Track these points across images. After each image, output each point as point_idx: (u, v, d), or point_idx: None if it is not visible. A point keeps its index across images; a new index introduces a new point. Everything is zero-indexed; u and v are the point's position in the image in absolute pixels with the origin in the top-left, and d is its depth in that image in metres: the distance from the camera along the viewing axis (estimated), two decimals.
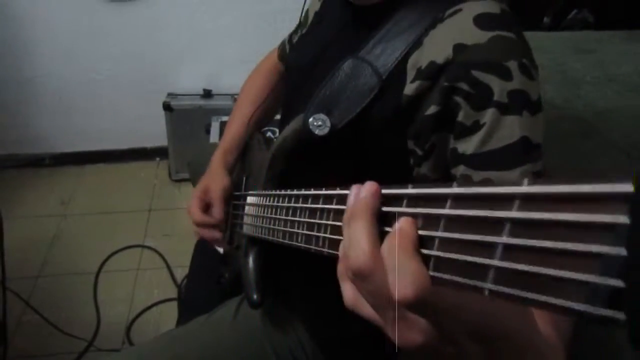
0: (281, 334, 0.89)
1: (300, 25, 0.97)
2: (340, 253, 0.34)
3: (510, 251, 0.22)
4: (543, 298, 0.20)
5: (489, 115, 0.59)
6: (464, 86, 0.59)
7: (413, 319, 0.29)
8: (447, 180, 0.45)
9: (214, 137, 2.09)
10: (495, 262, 0.23)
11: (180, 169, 2.33)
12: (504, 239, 0.22)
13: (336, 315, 0.85)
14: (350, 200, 0.34)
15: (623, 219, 0.18)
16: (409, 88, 0.64)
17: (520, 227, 0.22)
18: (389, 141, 0.68)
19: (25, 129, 2.39)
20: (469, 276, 0.24)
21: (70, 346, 1.60)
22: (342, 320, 0.85)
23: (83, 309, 1.74)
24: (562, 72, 1.43)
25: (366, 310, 0.32)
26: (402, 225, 0.29)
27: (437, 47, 0.62)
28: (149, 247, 2.03)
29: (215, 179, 0.96)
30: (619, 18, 1.70)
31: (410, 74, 0.64)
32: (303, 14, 0.96)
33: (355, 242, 0.30)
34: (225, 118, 2.12)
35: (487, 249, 0.23)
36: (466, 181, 0.59)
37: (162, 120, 2.24)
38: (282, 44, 1.07)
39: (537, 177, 0.58)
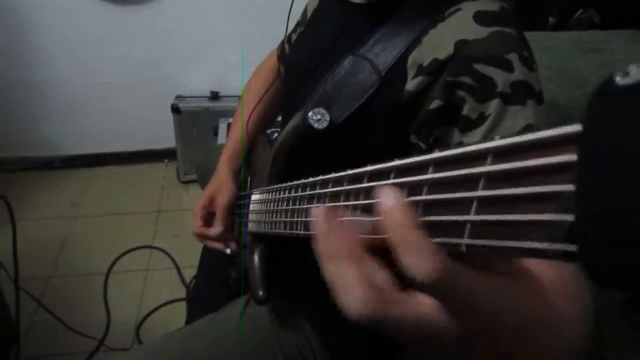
0: (288, 331, 0.90)
1: (298, 24, 0.98)
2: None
3: (483, 204, 0.23)
4: (513, 244, 0.21)
5: (493, 106, 0.59)
6: (467, 80, 0.60)
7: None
8: None
9: (221, 138, 2.11)
10: (471, 217, 0.24)
11: (188, 170, 2.35)
12: (479, 193, 0.24)
13: (342, 312, 0.87)
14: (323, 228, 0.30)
15: (573, 157, 0.19)
16: (411, 84, 0.65)
17: (493, 180, 0.23)
18: (390, 136, 0.69)
19: (36, 132, 2.42)
20: (450, 235, 0.25)
21: (81, 345, 1.62)
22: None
23: (93, 308, 1.77)
24: (567, 71, 1.43)
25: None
26: (391, 201, 0.27)
27: (439, 44, 0.64)
28: (157, 248, 2.05)
29: (221, 189, 0.98)
30: (625, 18, 1.70)
31: (411, 71, 0.65)
32: (302, 12, 0.97)
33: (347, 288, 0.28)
34: (232, 120, 2.14)
35: (463, 205, 0.24)
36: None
37: (170, 122, 2.26)
38: (281, 45, 1.08)
39: None
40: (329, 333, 0.88)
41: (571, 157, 0.19)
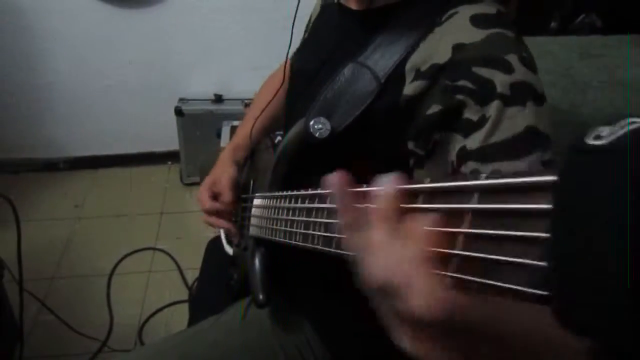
0: (289, 334, 0.91)
1: (305, 30, 0.99)
2: (360, 264, 0.31)
3: (469, 240, 0.24)
4: (495, 283, 0.22)
5: (493, 107, 0.58)
6: (466, 83, 0.60)
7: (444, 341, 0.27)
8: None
9: (224, 141, 2.12)
10: (458, 251, 0.25)
11: (191, 172, 2.36)
12: (465, 229, 0.24)
13: (343, 315, 0.87)
14: (342, 193, 0.32)
15: (549, 205, 0.20)
16: (408, 88, 0.65)
17: (479, 217, 0.24)
18: (389, 143, 0.69)
19: (40, 134, 2.44)
20: (437, 266, 0.26)
21: (84, 346, 1.63)
22: (349, 319, 0.87)
23: (96, 309, 1.78)
24: (569, 76, 1.44)
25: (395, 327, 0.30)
26: (419, 233, 0.27)
27: (436, 49, 0.64)
28: (160, 250, 2.06)
29: (224, 171, 0.98)
30: (627, 22, 1.70)
31: (409, 75, 0.65)
32: (306, 19, 0.98)
33: (378, 254, 0.28)
34: (235, 123, 2.15)
35: (451, 239, 0.25)
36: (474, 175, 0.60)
37: (174, 124, 2.27)
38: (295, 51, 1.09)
39: (547, 165, 0.57)
40: (330, 335, 0.89)
41: (548, 205, 0.20)
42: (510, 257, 0.22)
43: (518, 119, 0.58)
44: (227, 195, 0.96)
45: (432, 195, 0.27)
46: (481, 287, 0.23)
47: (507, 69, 0.59)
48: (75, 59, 2.25)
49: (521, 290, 0.21)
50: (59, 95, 2.33)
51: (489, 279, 0.23)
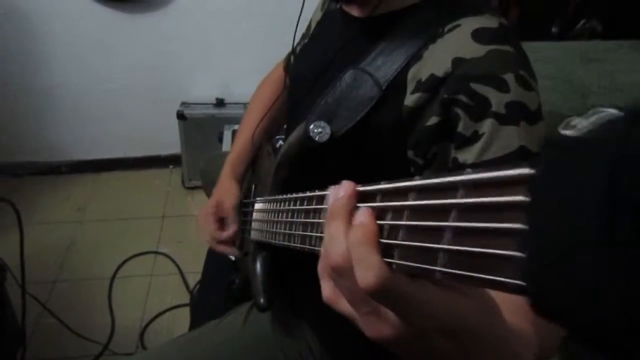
0: (290, 338, 0.91)
1: (303, 36, 1.00)
2: (322, 252, 0.36)
3: (455, 235, 0.25)
4: (481, 276, 0.23)
5: (487, 125, 0.60)
6: (463, 98, 0.61)
7: (384, 313, 0.31)
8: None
9: (226, 145, 2.13)
10: (444, 246, 0.25)
11: (193, 176, 2.37)
12: (450, 223, 0.25)
13: (344, 319, 0.88)
14: (330, 200, 0.36)
15: (527, 197, 0.20)
16: (410, 99, 0.66)
17: (464, 212, 0.25)
18: (389, 149, 0.70)
19: (42, 137, 2.45)
20: (425, 261, 0.27)
21: (85, 349, 1.63)
22: (350, 325, 0.87)
23: (98, 313, 1.78)
24: (569, 81, 1.44)
25: (343, 305, 0.35)
26: (360, 218, 0.32)
27: (437, 60, 0.64)
28: (162, 254, 2.06)
29: (227, 193, 0.99)
30: (627, 28, 1.71)
31: (411, 85, 0.66)
32: (307, 24, 0.99)
33: (334, 240, 0.33)
34: (237, 126, 2.15)
35: (438, 234, 0.26)
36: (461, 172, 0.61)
37: (176, 128, 2.28)
38: (288, 56, 1.10)
39: None
40: (332, 340, 0.89)
41: (525, 197, 0.21)
42: (490, 249, 0.22)
43: (512, 138, 0.60)
44: (232, 228, 0.98)
45: (423, 192, 0.29)
46: (469, 280, 0.24)
47: (504, 87, 0.60)
48: (78, 62, 2.26)
49: (500, 281, 0.22)
50: (61, 99, 2.34)
51: (472, 272, 0.23)
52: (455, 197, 0.25)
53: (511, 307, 0.35)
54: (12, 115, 2.35)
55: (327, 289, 0.36)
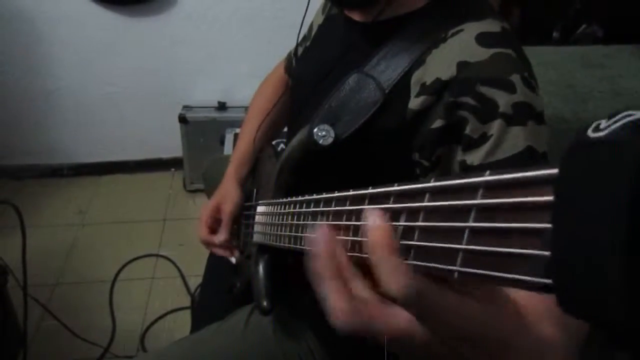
0: (291, 342, 0.91)
1: (304, 38, 1.00)
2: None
3: (474, 235, 0.25)
4: (500, 275, 0.23)
5: (495, 127, 0.60)
6: (470, 101, 0.62)
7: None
8: None
9: (227, 148, 2.13)
10: (463, 246, 0.26)
11: (194, 179, 2.37)
12: (470, 224, 0.25)
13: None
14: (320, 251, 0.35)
15: (551, 198, 0.21)
16: (414, 102, 0.66)
17: (483, 212, 0.25)
18: (394, 152, 0.70)
19: (44, 140, 2.45)
20: (443, 261, 0.27)
21: (86, 352, 1.63)
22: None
23: (99, 316, 1.78)
24: (570, 86, 1.45)
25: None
26: (373, 221, 0.31)
27: (441, 64, 0.65)
28: (163, 257, 2.06)
29: (227, 197, 1.00)
30: (628, 33, 1.71)
31: (415, 89, 0.67)
32: (308, 27, 0.99)
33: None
34: (238, 130, 2.15)
35: (456, 234, 0.26)
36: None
37: (178, 131, 2.29)
38: (288, 57, 1.10)
39: None
40: (333, 343, 0.89)
41: (550, 197, 0.21)
42: (513, 249, 0.23)
43: (519, 138, 0.60)
44: (223, 234, 0.99)
45: (438, 193, 0.29)
46: (487, 279, 0.24)
47: (510, 89, 0.60)
48: (80, 66, 2.27)
49: (526, 280, 0.22)
50: (63, 101, 2.35)
51: (494, 271, 0.24)
52: (475, 198, 0.25)
53: (544, 315, 0.35)
54: (15, 118, 2.36)
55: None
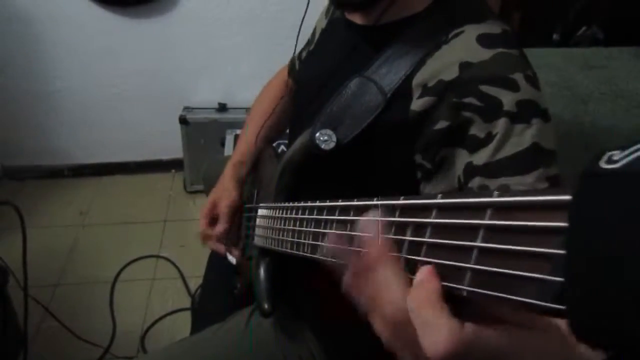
0: (292, 343, 0.91)
1: (308, 42, 1.01)
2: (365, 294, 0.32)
3: (482, 254, 0.25)
4: (508, 296, 0.23)
5: (500, 125, 0.60)
6: (474, 101, 0.61)
7: None
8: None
9: (228, 149, 2.13)
10: (471, 265, 0.26)
11: (195, 180, 2.37)
12: (478, 244, 0.25)
13: (346, 326, 0.88)
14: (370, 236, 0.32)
15: (563, 223, 0.21)
16: (416, 104, 0.66)
17: (492, 232, 0.25)
18: (396, 155, 0.70)
19: (45, 141, 2.45)
20: (451, 279, 0.27)
21: (86, 353, 1.64)
22: (352, 330, 0.88)
23: (100, 316, 1.78)
24: (570, 88, 1.45)
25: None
26: (424, 277, 0.28)
27: (443, 66, 0.65)
28: (164, 258, 2.06)
29: (224, 194, 1.00)
30: (628, 35, 1.71)
31: (417, 91, 0.67)
32: (311, 31, 0.99)
33: (386, 290, 0.30)
34: (239, 131, 2.17)
35: (465, 252, 0.26)
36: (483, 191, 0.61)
37: (178, 133, 2.29)
38: (292, 60, 1.10)
39: (553, 181, 0.59)
40: (333, 344, 0.89)
41: (561, 224, 0.21)
42: (522, 271, 0.23)
43: (525, 136, 0.60)
44: (220, 226, 0.99)
45: (446, 209, 0.28)
46: (495, 300, 0.24)
47: (514, 87, 0.60)
48: (81, 67, 2.27)
49: (534, 304, 0.22)
50: (64, 103, 2.35)
51: (503, 293, 0.24)
52: (483, 218, 0.25)
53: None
54: (16, 119, 2.36)
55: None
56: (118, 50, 2.24)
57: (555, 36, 1.98)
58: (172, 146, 2.42)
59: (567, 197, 0.21)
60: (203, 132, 2.28)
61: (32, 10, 2.10)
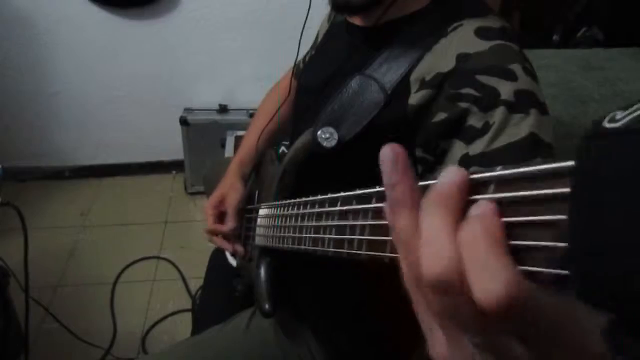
0: (292, 344, 0.92)
1: (311, 47, 1.01)
2: (406, 260, 0.27)
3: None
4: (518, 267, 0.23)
5: (497, 114, 0.59)
6: (470, 91, 0.61)
7: (506, 344, 0.23)
8: None
9: (228, 151, 2.14)
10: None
11: (195, 182, 2.38)
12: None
13: (346, 326, 0.88)
14: (397, 173, 0.28)
15: (567, 189, 0.21)
16: (414, 98, 0.66)
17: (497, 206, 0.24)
18: None
19: (46, 142, 2.46)
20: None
21: (87, 354, 1.64)
22: (352, 330, 0.88)
23: (100, 318, 1.79)
24: (570, 89, 1.45)
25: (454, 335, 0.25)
26: (480, 211, 0.24)
27: (441, 58, 0.65)
28: (164, 259, 2.07)
29: (231, 190, 1.00)
30: (628, 36, 1.72)
31: (415, 85, 0.67)
32: (313, 34, 1.00)
33: (434, 243, 0.24)
34: (239, 132, 2.17)
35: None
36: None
37: (179, 134, 2.29)
38: (299, 63, 1.11)
39: None
40: (334, 346, 0.90)
41: (565, 189, 0.21)
42: (528, 241, 0.23)
43: (522, 126, 0.59)
44: (231, 222, 0.99)
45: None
46: None
47: (511, 77, 0.60)
48: (82, 69, 2.27)
49: (543, 272, 0.22)
50: (65, 104, 2.36)
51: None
52: (486, 192, 0.25)
53: None
54: (17, 121, 2.37)
55: (433, 310, 0.26)
56: (119, 52, 2.25)
57: (555, 37, 1.99)
58: (172, 147, 2.42)
59: (569, 163, 0.21)
60: (204, 133, 2.28)
61: (33, 12, 2.11)
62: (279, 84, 1.17)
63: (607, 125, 0.20)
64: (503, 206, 0.24)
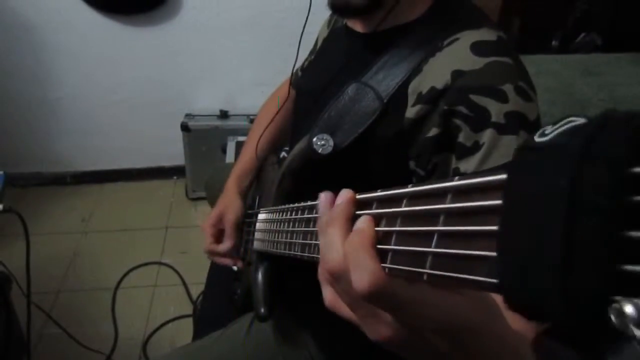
0: (292, 348, 0.92)
1: (310, 52, 1.02)
2: (320, 257, 0.36)
3: (442, 238, 0.26)
4: (465, 277, 0.24)
5: (487, 135, 0.61)
6: (463, 109, 0.62)
7: (380, 315, 0.32)
8: None
9: (230, 156, 2.14)
10: (432, 249, 0.27)
11: (196, 187, 2.38)
12: (438, 228, 0.26)
13: (344, 330, 0.88)
14: (320, 209, 0.38)
15: (498, 201, 0.22)
16: (411, 112, 0.67)
17: (450, 217, 0.26)
18: (391, 161, 0.71)
19: (48, 148, 2.47)
20: (415, 264, 0.28)
21: (89, 359, 1.64)
22: (351, 334, 0.88)
23: (101, 323, 1.79)
24: (569, 94, 1.46)
25: (344, 310, 0.36)
26: (360, 224, 0.33)
27: (437, 73, 0.66)
28: (165, 264, 2.07)
29: (229, 207, 1.01)
30: (627, 41, 1.73)
31: (412, 98, 0.68)
32: (313, 39, 1.01)
33: (331, 245, 0.33)
34: (240, 138, 2.18)
35: (427, 238, 0.27)
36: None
37: (180, 140, 2.30)
38: (296, 71, 1.12)
39: None
40: (332, 349, 0.90)
41: (498, 201, 0.22)
42: (470, 251, 0.23)
43: (511, 147, 0.60)
44: (229, 241, 1.00)
45: (415, 198, 0.30)
46: (454, 281, 0.25)
47: (503, 98, 0.61)
48: (83, 74, 2.28)
49: (478, 280, 0.23)
50: (66, 110, 2.36)
51: (455, 273, 0.24)
52: (444, 203, 0.26)
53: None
54: (18, 127, 2.38)
55: (328, 294, 0.37)
56: (120, 58, 2.26)
57: (554, 42, 2.00)
58: (173, 153, 2.43)
59: (503, 176, 0.22)
60: (205, 139, 2.29)
61: (34, 18, 2.12)
62: (275, 92, 1.18)
63: (537, 139, 0.20)
64: (454, 216, 0.25)
